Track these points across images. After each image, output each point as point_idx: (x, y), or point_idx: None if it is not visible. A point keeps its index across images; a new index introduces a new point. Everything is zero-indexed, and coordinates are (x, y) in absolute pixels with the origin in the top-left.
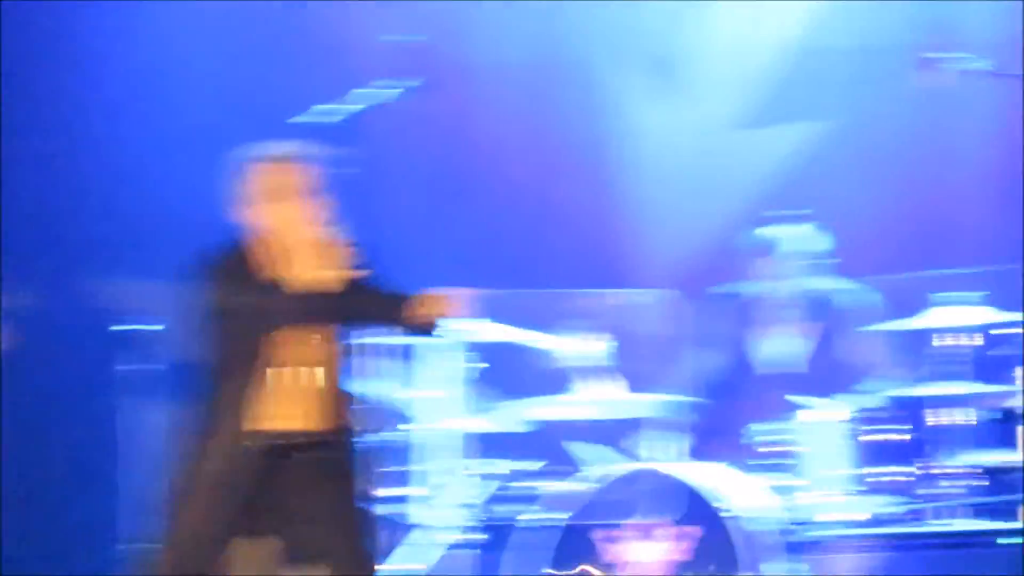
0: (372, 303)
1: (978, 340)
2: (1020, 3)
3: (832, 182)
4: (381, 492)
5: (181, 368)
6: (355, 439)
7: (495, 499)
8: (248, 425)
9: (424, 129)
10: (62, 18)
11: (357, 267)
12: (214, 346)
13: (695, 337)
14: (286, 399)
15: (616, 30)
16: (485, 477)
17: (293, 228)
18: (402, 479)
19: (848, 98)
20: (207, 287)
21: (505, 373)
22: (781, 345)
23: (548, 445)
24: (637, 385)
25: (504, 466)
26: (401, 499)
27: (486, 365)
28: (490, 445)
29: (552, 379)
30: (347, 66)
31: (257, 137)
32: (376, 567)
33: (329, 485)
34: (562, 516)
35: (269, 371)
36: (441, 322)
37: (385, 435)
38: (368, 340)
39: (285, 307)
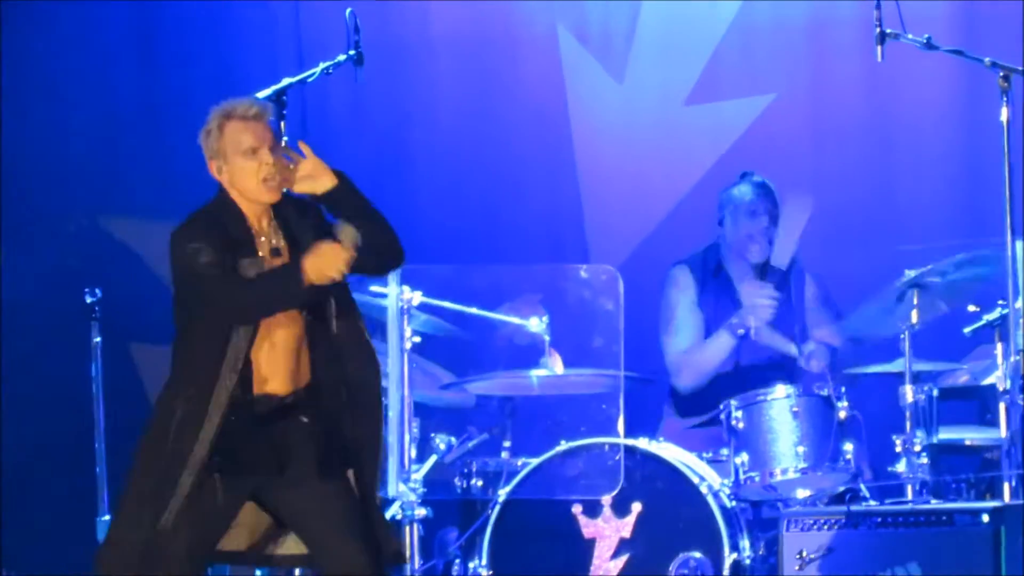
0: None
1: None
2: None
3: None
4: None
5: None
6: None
7: (438, 473)
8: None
9: (367, 102)
10: None
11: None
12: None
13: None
14: (271, 360)
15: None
16: (428, 451)
17: (261, 183)
18: None
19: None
20: (188, 251)
21: (446, 347)
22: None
23: (492, 420)
24: (579, 361)
25: (447, 440)
26: None
27: (419, 339)
28: (432, 419)
29: (492, 354)
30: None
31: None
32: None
33: (314, 450)
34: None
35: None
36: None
37: None
38: None
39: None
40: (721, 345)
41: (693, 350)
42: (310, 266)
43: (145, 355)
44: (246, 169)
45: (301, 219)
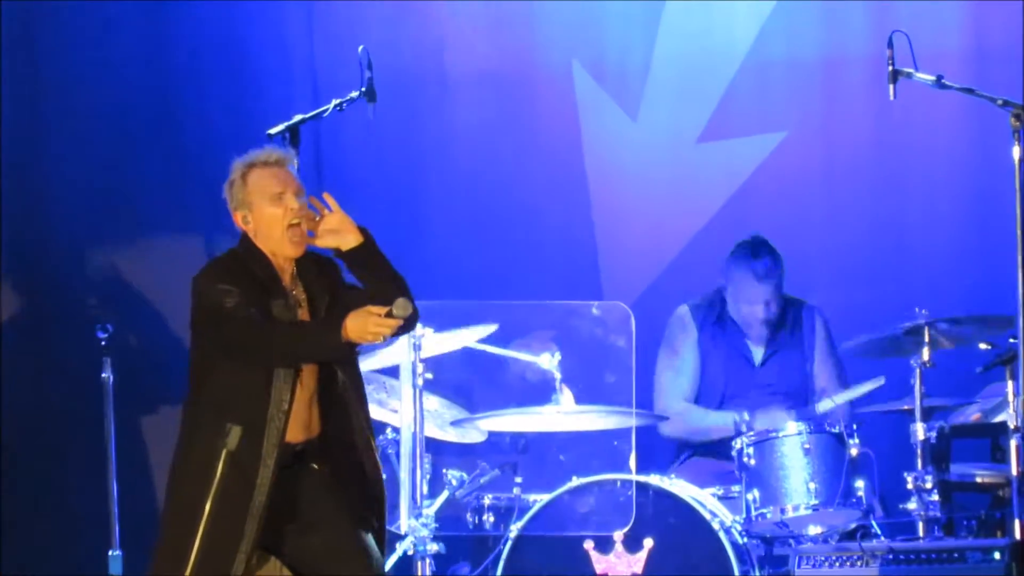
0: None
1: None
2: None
3: (794, 197)
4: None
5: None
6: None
7: (450, 509)
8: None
9: (382, 139)
10: None
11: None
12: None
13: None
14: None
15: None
16: (441, 486)
17: (286, 231)
18: None
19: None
20: (217, 292)
21: (458, 383)
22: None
23: (504, 456)
24: (591, 397)
25: (459, 476)
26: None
27: (431, 376)
28: (444, 455)
29: (504, 390)
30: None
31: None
32: None
33: (330, 494)
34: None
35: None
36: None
37: None
38: None
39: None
40: (721, 427)
41: (691, 408)
42: (352, 325)
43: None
44: (272, 216)
45: (319, 276)
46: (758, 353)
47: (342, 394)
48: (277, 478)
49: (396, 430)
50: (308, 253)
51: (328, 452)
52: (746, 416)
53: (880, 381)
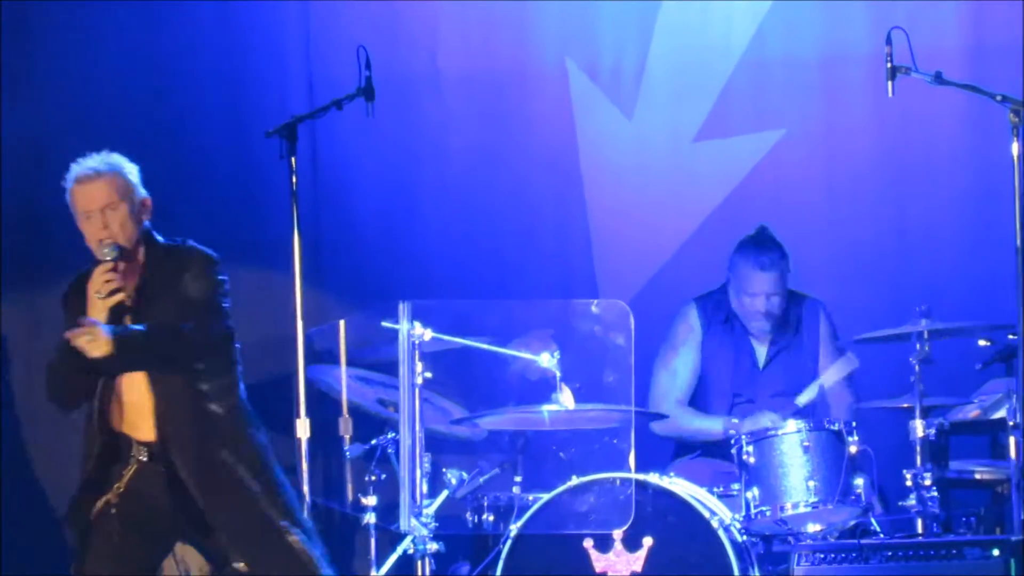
0: None
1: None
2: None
3: (792, 195)
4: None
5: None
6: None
7: (450, 508)
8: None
9: (378, 138)
10: None
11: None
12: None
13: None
14: (125, 407)
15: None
16: (440, 485)
17: (98, 245)
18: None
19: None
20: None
21: (457, 382)
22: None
23: (504, 455)
24: (591, 396)
25: (459, 475)
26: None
27: (431, 375)
28: (444, 454)
29: (504, 389)
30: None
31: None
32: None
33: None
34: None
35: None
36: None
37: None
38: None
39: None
40: (709, 430)
41: (682, 410)
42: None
43: None
44: (85, 231)
45: (170, 273)
46: (762, 354)
47: (175, 402)
48: (137, 475)
49: (395, 429)
50: (164, 248)
51: (167, 456)
52: (734, 420)
53: (853, 363)
